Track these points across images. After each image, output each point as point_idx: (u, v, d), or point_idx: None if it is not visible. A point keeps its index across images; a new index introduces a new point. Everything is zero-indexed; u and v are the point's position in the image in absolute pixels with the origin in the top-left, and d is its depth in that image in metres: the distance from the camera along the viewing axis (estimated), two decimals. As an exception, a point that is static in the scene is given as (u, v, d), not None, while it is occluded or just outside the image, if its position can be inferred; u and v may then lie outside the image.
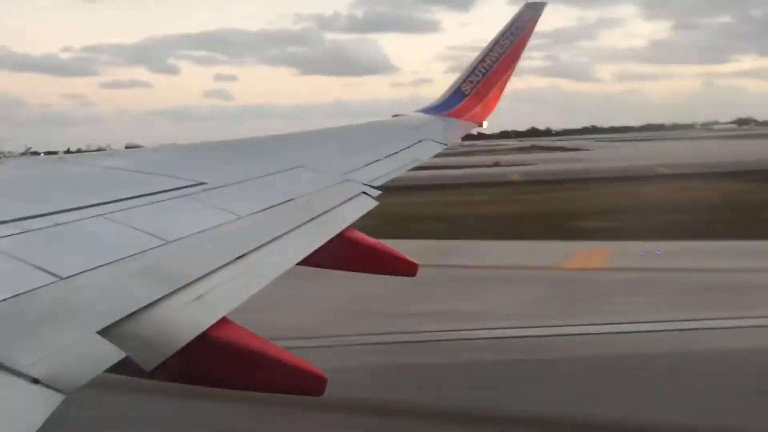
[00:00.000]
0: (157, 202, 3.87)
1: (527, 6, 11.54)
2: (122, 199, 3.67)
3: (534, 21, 11.42)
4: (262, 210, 4.38)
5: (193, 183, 4.39)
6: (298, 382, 3.22)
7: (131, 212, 3.56)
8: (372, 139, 8.26)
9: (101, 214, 3.39)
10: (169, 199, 4.02)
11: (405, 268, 5.27)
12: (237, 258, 3.47)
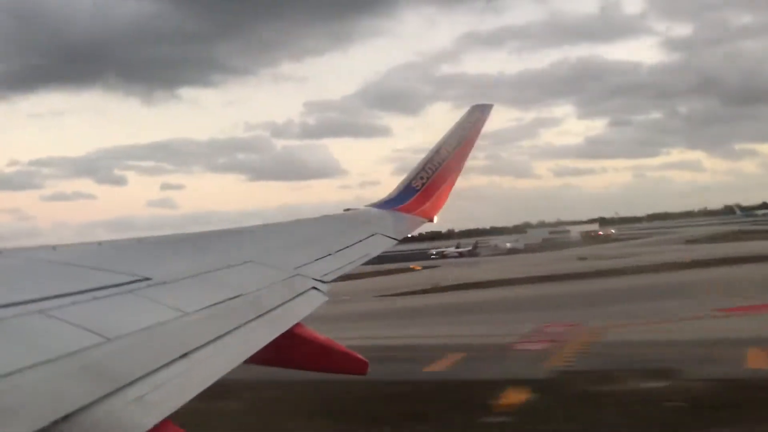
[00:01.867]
0: (99, 297, 3.77)
1: (475, 107, 12.20)
2: (63, 295, 3.56)
3: (482, 121, 11.99)
4: (208, 306, 4.28)
5: (138, 278, 4.28)
6: None
7: (72, 308, 3.45)
8: (323, 234, 8.22)
9: (40, 310, 3.28)
10: (112, 294, 3.91)
11: (355, 366, 5.13)
12: (181, 356, 3.37)
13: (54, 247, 4.79)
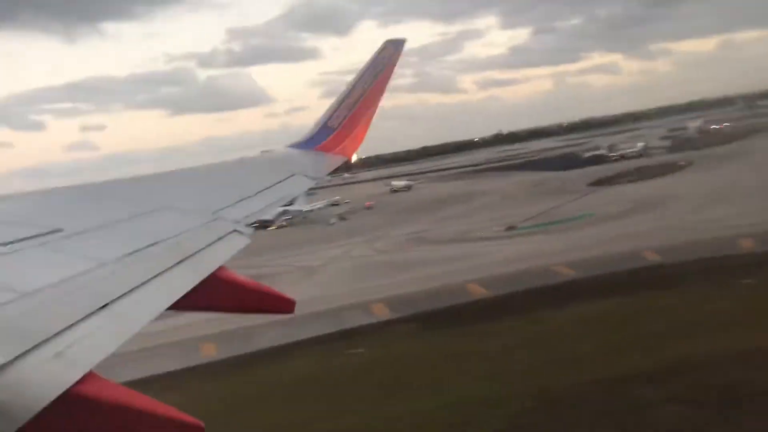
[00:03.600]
0: (8, 252, 3.62)
1: (388, 42, 12.04)
2: None
3: (396, 56, 11.86)
4: (126, 255, 4.15)
5: (49, 230, 4.12)
6: None
7: None
8: (241, 176, 8.08)
9: None
10: (22, 248, 3.75)
11: (282, 305, 5.10)
12: (100, 308, 3.27)
13: None
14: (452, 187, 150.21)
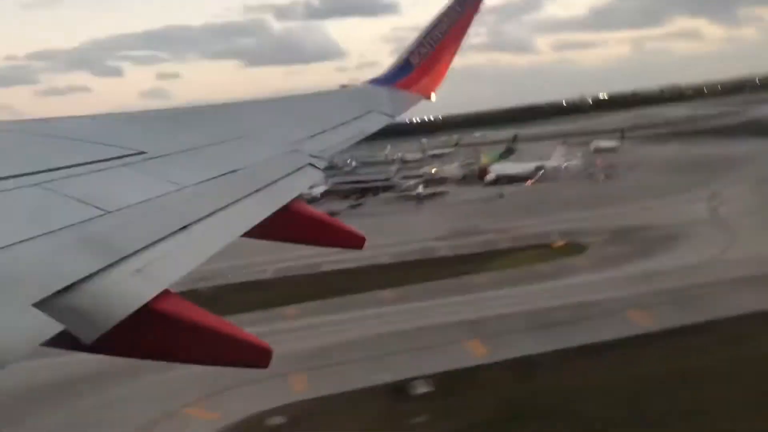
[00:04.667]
0: (96, 171, 3.73)
1: None
2: (59, 168, 3.52)
3: None
4: (205, 180, 4.25)
5: (133, 152, 4.22)
6: (243, 356, 3.18)
7: (69, 181, 3.42)
8: (319, 110, 8.04)
9: (38, 183, 3.26)
10: (108, 168, 3.87)
11: (353, 241, 5.17)
12: (179, 229, 3.39)
13: (47, 120, 4.69)
14: (670, 150, 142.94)
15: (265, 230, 4.25)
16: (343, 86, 10.20)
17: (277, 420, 35.57)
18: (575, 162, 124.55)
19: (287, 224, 4.66)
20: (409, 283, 60.13)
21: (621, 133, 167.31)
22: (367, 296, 57.73)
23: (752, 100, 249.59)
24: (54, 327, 2.26)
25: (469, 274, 62.17)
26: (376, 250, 72.95)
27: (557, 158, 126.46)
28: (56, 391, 40.89)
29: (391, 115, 8.77)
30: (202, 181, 4.22)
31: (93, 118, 5.21)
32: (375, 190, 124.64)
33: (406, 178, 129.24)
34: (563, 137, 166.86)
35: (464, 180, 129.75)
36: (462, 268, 63.89)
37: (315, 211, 5.04)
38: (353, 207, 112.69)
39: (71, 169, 3.58)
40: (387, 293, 58.33)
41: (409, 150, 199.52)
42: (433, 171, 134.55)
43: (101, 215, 3.14)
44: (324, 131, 6.64)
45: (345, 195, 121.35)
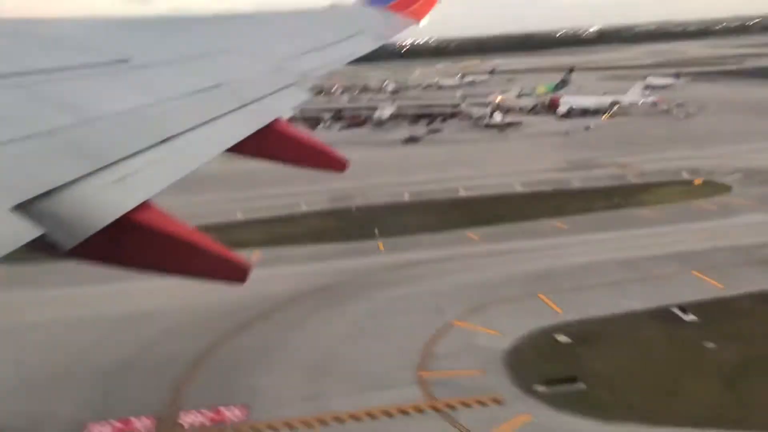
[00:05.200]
0: (77, 78, 3.61)
1: None
2: (39, 71, 3.40)
3: None
4: (189, 93, 4.17)
5: (116, 59, 4.10)
6: (220, 270, 3.15)
7: (49, 86, 3.32)
8: (308, 29, 7.80)
9: (18, 85, 3.16)
10: (90, 75, 3.75)
11: (334, 163, 5.10)
12: (161, 141, 3.34)
13: (25, 21, 4.53)
14: (723, 90, 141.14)
15: (247, 148, 4.22)
16: (333, 5, 10.02)
17: (562, 338, 36.11)
18: (651, 99, 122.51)
19: (270, 143, 4.61)
20: (570, 214, 60.15)
21: (677, 72, 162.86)
22: (538, 224, 57.58)
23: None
24: (32, 231, 2.25)
25: (627, 207, 62.16)
26: (502, 179, 74.54)
27: (634, 94, 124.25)
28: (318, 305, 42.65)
29: (382, 37, 8.50)
30: (185, 94, 4.14)
31: (75, 21, 5.01)
32: (443, 116, 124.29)
33: (472, 105, 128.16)
34: (590, 70, 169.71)
35: (533, 110, 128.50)
36: (613, 202, 63.93)
37: (298, 131, 4.96)
38: (432, 132, 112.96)
39: (51, 73, 3.49)
40: (556, 222, 58.27)
41: (426, 74, 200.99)
42: (499, 99, 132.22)
43: (81, 122, 3.08)
44: (313, 50, 6.47)
45: (413, 119, 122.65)
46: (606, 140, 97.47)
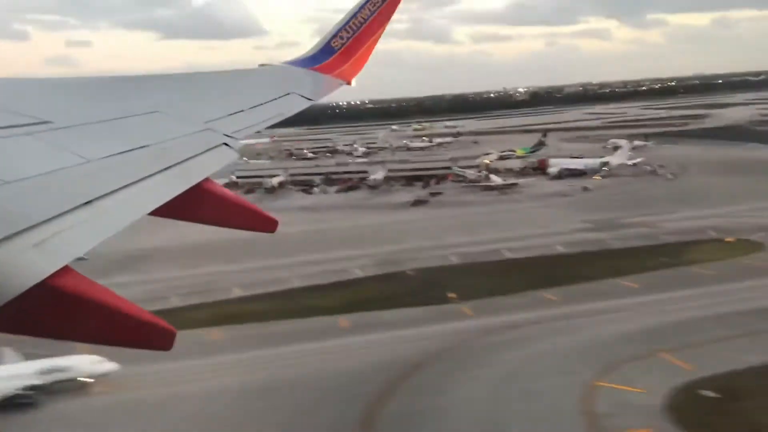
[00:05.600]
0: None
1: None
2: None
3: None
4: (113, 154, 4.14)
5: (38, 121, 4.11)
6: (144, 336, 3.07)
7: None
8: (236, 89, 7.87)
9: None
10: (10, 136, 3.75)
11: (264, 223, 5.05)
12: (85, 203, 3.27)
13: None
14: (691, 151, 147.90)
15: (174, 209, 4.15)
16: (262, 65, 10.16)
17: (709, 393, 37.32)
18: (639, 160, 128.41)
19: (198, 204, 4.55)
20: (630, 273, 61.89)
21: (644, 135, 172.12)
22: (606, 284, 59.39)
23: (700, 104, 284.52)
24: None
25: (680, 265, 64.02)
26: (537, 240, 77.39)
27: (621, 155, 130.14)
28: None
29: (311, 98, 8.58)
30: (110, 155, 4.09)
31: None
32: (436, 178, 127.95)
33: (462, 167, 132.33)
34: (541, 131, 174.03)
35: (521, 172, 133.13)
36: (660, 260, 65.63)
37: (228, 191, 4.91)
38: (434, 194, 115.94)
39: None
40: (623, 281, 59.92)
41: (390, 137, 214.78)
42: (488, 162, 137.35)
43: (1, 185, 3.04)
44: (241, 111, 6.50)
45: (407, 181, 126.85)
46: (612, 201, 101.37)
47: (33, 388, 42.72)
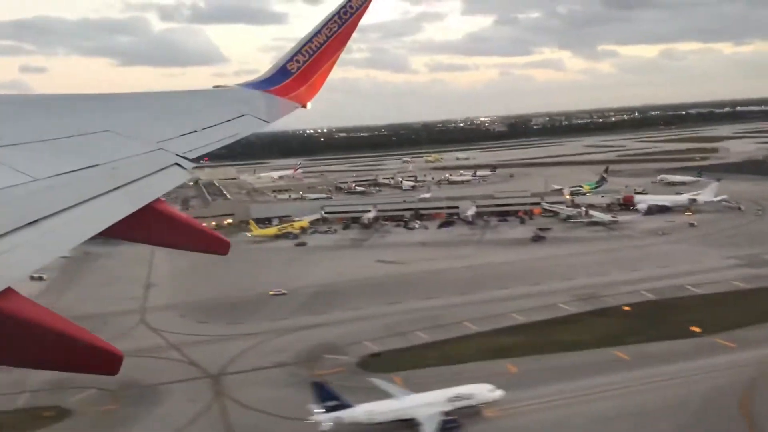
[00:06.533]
0: None
1: None
2: None
3: (364, 8, 11.29)
4: (61, 174, 4.07)
5: None
6: (90, 360, 2.98)
7: None
8: (190, 109, 7.72)
9: None
10: None
11: (217, 245, 4.91)
12: (28, 224, 3.21)
13: None
14: (737, 186, 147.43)
15: (124, 230, 4.06)
16: (217, 86, 10.20)
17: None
18: (723, 197, 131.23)
19: (149, 225, 4.45)
20: None
21: (699, 171, 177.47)
22: None
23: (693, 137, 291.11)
24: None
25: None
26: (703, 276, 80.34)
27: (710, 192, 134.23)
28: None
29: (266, 120, 8.54)
30: (58, 174, 4.01)
31: None
32: (525, 214, 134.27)
33: (550, 203, 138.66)
34: (564, 165, 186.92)
35: (608, 207, 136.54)
36: None
37: (179, 212, 4.83)
38: (542, 230, 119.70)
39: None
40: None
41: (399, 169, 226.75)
42: (573, 198, 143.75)
43: None
44: (194, 131, 6.41)
45: (499, 217, 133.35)
46: (731, 237, 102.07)
47: (447, 414, 47.90)
